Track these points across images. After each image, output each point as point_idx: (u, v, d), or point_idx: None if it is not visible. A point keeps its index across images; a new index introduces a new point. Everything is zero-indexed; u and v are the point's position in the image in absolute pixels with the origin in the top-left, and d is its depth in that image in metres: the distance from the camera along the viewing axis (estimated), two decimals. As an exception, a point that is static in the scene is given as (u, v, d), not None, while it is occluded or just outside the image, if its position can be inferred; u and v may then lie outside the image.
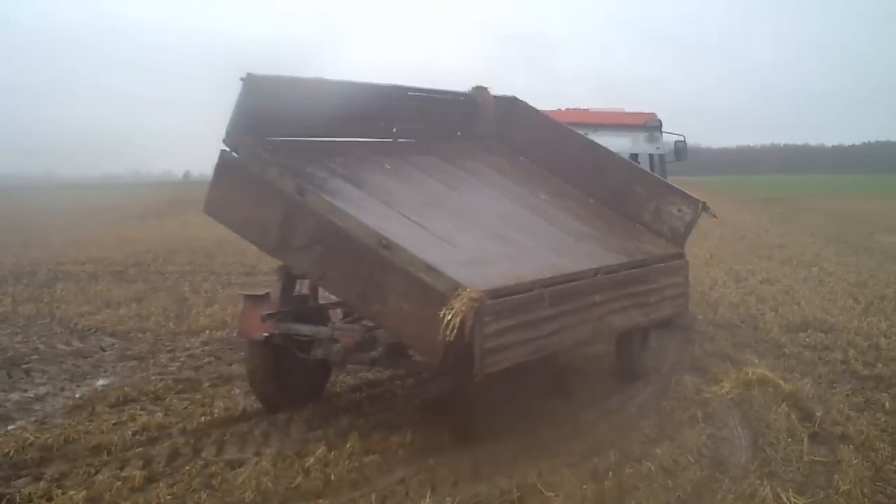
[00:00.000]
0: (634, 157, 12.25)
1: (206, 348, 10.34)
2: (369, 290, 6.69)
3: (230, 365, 9.51)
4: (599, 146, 10.38)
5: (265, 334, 7.61)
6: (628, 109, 13.64)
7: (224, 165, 7.25)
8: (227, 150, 7.16)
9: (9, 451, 6.56)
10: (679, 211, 9.71)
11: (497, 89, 9.80)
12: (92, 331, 11.46)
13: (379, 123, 8.88)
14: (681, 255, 9.60)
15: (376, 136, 8.91)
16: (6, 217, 36.66)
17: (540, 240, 8.30)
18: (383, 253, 6.49)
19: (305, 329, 7.77)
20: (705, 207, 9.65)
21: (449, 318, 5.97)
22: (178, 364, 9.65)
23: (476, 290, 6.13)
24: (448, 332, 5.97)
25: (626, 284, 8.23)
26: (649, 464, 6.37)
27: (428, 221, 7.55)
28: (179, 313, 12.56)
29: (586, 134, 10.92)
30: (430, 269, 6.35)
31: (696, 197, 9.74)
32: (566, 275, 7.45)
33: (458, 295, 6.05)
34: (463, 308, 5.98)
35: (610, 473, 6.20)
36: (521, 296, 6.69)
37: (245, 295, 8.00)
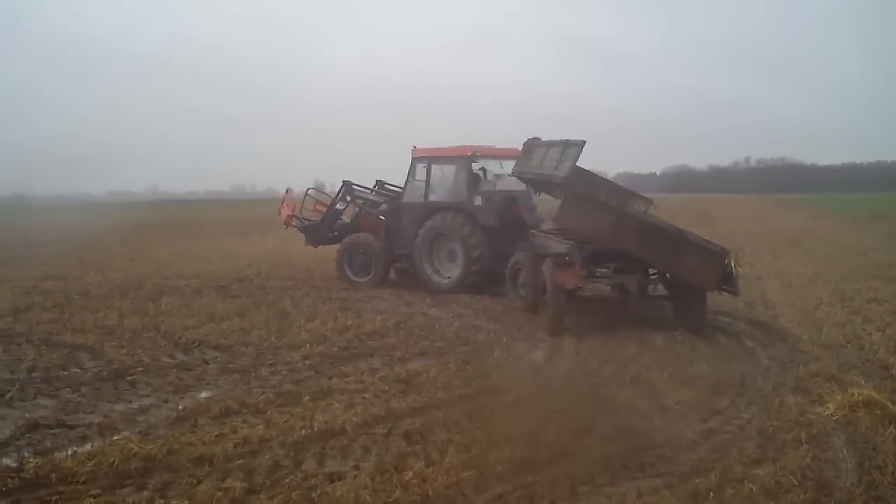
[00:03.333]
0: None
1: (307, 362, 10.43)
2: (671, 255, 12.13)
3: (330, 379, 9.59)
4: (586, 170, 15.64)
5: (578, 285, 12.35)
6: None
7: (569, 194, 12.64)
8: (570, 184, 12.77)
9: (114, 461, 6.74)
10: (637, 206, 15.05)
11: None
12: (195, 344, 11.67)
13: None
14: None
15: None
16: (113, 231, 38.07)
17: None
18: (681, 235, 12.17)
19: (607, 281, 13.53)
20: (651, 202, 15.81)
21: (732, 263, 11.83)
22: (279, 377, 9.75)
23: (734, 250, 12.18)
24: (733, 270, 11.80)
25: None
26: (751, 485, 6.24)
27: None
28: (281, 327, 12.75)
29: (500, 162, 17.29)
30: (707, 241, 12.36)
31: (647, 197, 16.28)
32: None
33: (729, 253, 11.95)
34: (736, 259, 11.96)
35: (711, 494, 6.11)
36: None
37: (556, 263, 12.17)
